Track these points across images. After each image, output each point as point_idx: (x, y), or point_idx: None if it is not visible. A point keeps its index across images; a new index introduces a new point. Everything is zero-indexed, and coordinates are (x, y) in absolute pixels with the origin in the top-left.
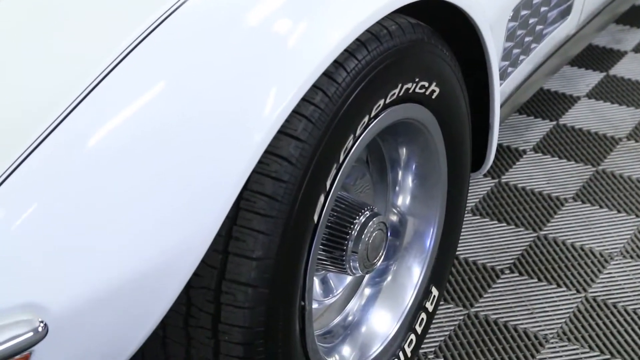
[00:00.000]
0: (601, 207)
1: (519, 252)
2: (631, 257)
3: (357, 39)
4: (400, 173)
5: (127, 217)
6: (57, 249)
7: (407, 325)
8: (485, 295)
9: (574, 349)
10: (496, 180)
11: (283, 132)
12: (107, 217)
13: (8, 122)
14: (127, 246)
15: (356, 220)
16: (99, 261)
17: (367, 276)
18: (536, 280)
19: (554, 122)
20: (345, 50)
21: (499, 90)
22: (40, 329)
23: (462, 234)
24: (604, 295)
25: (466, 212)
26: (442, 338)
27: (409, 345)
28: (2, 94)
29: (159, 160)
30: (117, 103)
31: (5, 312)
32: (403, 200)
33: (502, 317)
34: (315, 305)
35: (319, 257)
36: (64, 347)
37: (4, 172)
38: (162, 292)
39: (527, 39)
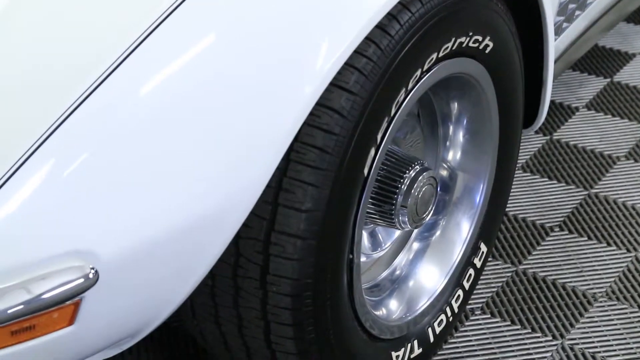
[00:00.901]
0: None
1: (569, 210)
2: None
3: None
4: (451, 128)
5: (179, 168)
6: (109, 199)
7: (455, 281)
8: (534, 253)
9: (622, 308)
10: (548, 137)
11: (335, 84)
12: (158, 169)
13: (60, 72)
14: (179, 197)
15: (406, 175)
16: (150, 212)
17: (415, 230)
18: (586, 238)
19: (608, 80)
20: (399, 2)
21: (554, 46)
22: (91, 276)
23: (512, 190)
24: None
25: (517, 168)
26: (490, 294)
27: (456, 301)
28: (59, 46)
29: (210, 112)
30: (168, 55)
31: (57, 259)
32: (453, 155)
33: (551, 275)
34: (363, 259)
35: (368, 210)
36: (114, 294)
37: (56, 121)
38: (212, 242)
39: None
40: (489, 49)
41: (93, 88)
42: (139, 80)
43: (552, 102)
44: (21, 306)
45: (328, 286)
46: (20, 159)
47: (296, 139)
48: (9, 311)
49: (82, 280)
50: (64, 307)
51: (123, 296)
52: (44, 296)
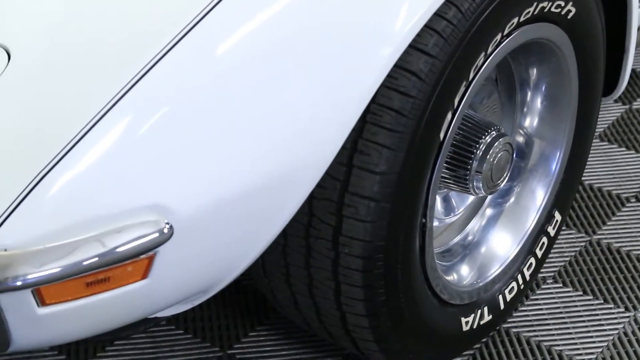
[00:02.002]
0: None
1: None
2: None
3: None
4: (529, 94)
5: (256, 126)
6: (185, 156)
7: (528, 249)
8: (608, 223)
9: None
10: (627, 107)
11: (414, 46)
12: (236, 126)
13: (140, 29)
14: (255, 155)
15: (482, 140)
16: (227, 170)
17: (489, 197)
18: None
19: None
20: None
21: (638, 13)
22: (166, 231)
23: (588, 159)
24: None
25: (594, 137)
26: (562, 263)
27: (528, 269)
28: (140, 4)
29: (289, 71)
30: (247, 12)
31: (133, 213)
32: (530, 121)
33: (625, 246)
34: (435, 223)
35: (443, 175)
36: (188, 249)
37: (135, 76)
38: (286, 201)
39: None
40: (571, 14)
41: (171, 45)
42: (218, 38)
43: (632, 70)
44: (96, 258)
45: (400, 249)
46: (98, 113)
47: (373, 100)
48: (84, 263)
49: (157, 234)
50: (138, 261)
51: (196, 252)
52: (119, 249)
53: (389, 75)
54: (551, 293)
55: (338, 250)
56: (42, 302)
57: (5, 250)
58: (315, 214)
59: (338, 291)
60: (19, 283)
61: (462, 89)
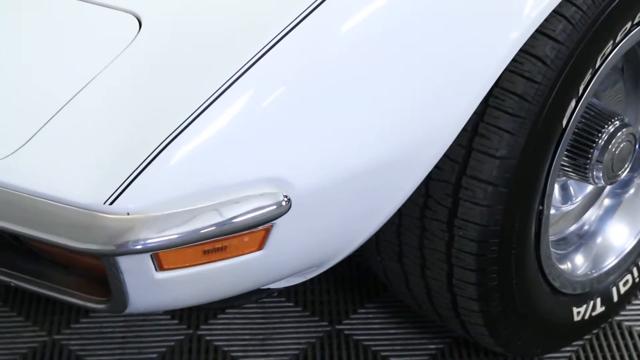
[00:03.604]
0: None
1: None
2: None
3: None
4: None
5: (379, 102)
6: (306, 130)
7: None
8: None
9: None
10: None
11: (541, 31)
12: (359, 102)
13: (265, 5)
14: (377, 132)
15: (604, 129)
16: (348, 145)
17: (608, 187)
18: None
19: None
20: None
21: None
22: (283, 204)
23: None
24: None
25: None
26: None
27: None
28: None
29: (414, 49)
30: None
31: (252, 184)
32: None
33: None
34: (552, 211)
35: (562, 162)
36: (304, 223)
37: (261, 50)
38: (404, 180)
39: None
40: None
41: (298, 21)
42: (344, 14)
43: None
44: (213, 227)
45: (515, 235)
46: (222, 87)
47: (496, 84)
48: (202, 231)
49: (274, 207)
50: (255, 232)
51: (312, 226)
52: (236, 220)
53: (514, 60)
54: None
55: (452, 232)
56: (160, 267)
57: (128, 214)
58: (431, 195)
59: (450, 273)
60: (139, 247)
61: (588, 76)
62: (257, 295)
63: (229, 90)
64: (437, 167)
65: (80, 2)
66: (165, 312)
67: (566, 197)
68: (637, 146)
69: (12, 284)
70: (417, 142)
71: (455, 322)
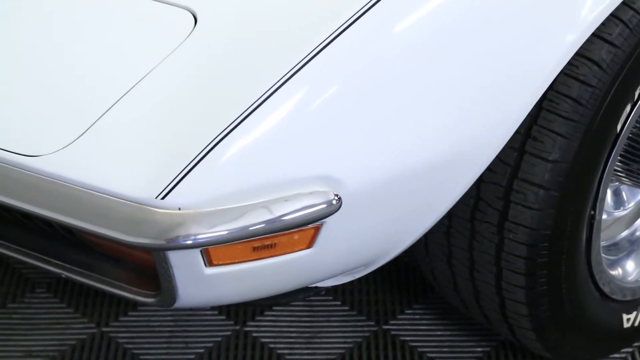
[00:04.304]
0: None
1: None
2: None
3: None
4: None
5: (434, 103)
6: (358, 130)
7: None
8: None
9: None
10: None
11: (597, 35)
12: (413, 102)
13: (321, 3)
14: (430, 132)
15: None
16: (400, 145)
17: None
18: None
19: None
20: None
21: None
22: (334, 202)
23: None
24: None
25: None
26: None
27: None
28: None
29: (470, 49)
30: None
31: (302, 182)
32: None
33: None
34: (604, 216)
35: (616, 167)
36: (355, 222)
37: (315, 48)
38: (455, 182)
39: None
40: None
41: (350, 22)
42: (399, 13)
43: None
44: (262, 225)
45: (566, 239)
46: (275, 84)
47: (551, 87)
48: (251, 228)
49: (324, 205)
50: (304, 230)
51: (362, 226)
52: (285, 218)
53: (569, 63)
54: None
55: (503, 235)
56: (209, 262)
57: (179, 209)
58: (482, 198)
59: (499, 276)
60: (189, 242)
61: None
62: (304, 293)
63: (282, 88)
64: (489, 169)
65: None
66: (213, 308)
67: (619, 202)
68: None
69: (63, 276)
70: (471, 143)
71: (503, 326)
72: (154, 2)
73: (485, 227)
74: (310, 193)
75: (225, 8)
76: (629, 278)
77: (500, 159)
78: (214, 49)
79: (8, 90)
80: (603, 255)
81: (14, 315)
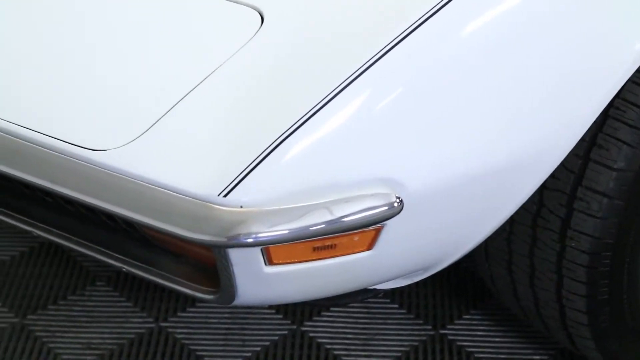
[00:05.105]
0: None
1: None
2: None
3: None
4: None
5: (498, 108)
6: (422, 133)
7: None
8: None
9: None
10: None
11: None
12: (477, 106)
13: (386, 8)
14: (494, 137)
15: None
16: (463, 148)
17: None
18: None
19: None
20: None
21: None
22: (396, 205)
23: None
24: None
25: None
26: None
27: None
28: None
29: (538, 53)
30: None
31: (365, 183)
32: None
33: None
34: None
35: None
36: (416, 225)
37: (379, 52)
38: (518, 187)
39: None
40: None
41: (417, 25)
42: (466, 16)
43: None
44: (323, 225)
45: (629, 248)
46: (340, 85)
47: (617, 95)
48: (311, 228)
49: (386, 208)
50: (365, 232)
51: (423, 229)
52: (345, 219)
53: (637, 71)
54: None
55: (564, 243)
56: (269, 261)
57: (241, 207)
58: (545, 204)
59: (560, 284)
60: (250, 240)
61: None
62: (363, 295)
63: (347, 89)
64: (552, 176)
65: None
66: (270, 306)
67: None
68: None
69: (124, 270)
70: (536, 148)
71: (562, 334)
72: (223, 0)
73: (547, 234)
74: (372, 195)
75: (291, 8)
76: None
77: (564, 165)
78: (279, 48)
79: (75, 85)
80: None
81: (75, 308)
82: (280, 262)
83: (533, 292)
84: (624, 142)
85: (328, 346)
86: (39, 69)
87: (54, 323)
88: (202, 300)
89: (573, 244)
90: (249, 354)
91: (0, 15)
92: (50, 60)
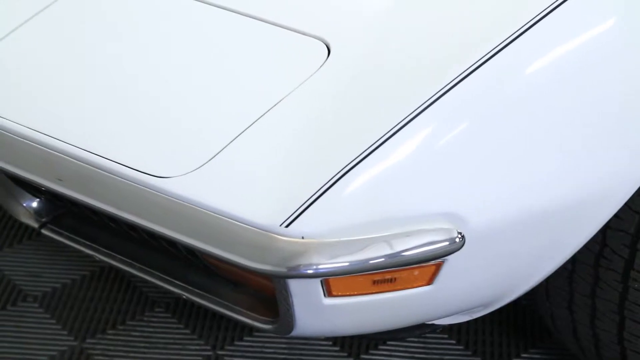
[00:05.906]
0: None
1: None
2: None
3: None
4: None
5: (563, 144)
6: (486, 169)
7: None
8: None
9: None
10: None
11: None
12: (541, 144)
13: (449, 45)
14: (558, 173)
15: None
16: (527, 186)
17: None
18: None
19: None
20: None
21: None
22: (457, 240)
23: None
24: None
25: None
26: None
27: None
28: (454, 23)
29: (604, 93)
30: (561, 35)
31: (427, 218)
32: None
33: None
34: None
35: None
36: (477, 261)
37: (443, 87)
38: (581, 226)
39: None
40: None
41: (483, 61)
42: (531, 55)
43: None
44: (382, 259)
45: None
46: (404, 119)
47: None
48: (371, 262)
49: (447, 243)
50: (425, 267)
51: (484, 265)
52: (405, 253)
53: None
54: None
55: (627, 284)
56: (328, 293)
57: (302, 238)
58: (608, 244)
59: (622, 326)
60: (310, 271)
61: None
62: (420, 330)
63: (411, 123)
64: (616, 216)
65: (274, 26)
66: (327, 338)
67: None
68: None
69: (184, 297)
70: (599, 189)
71: None
72: (289, 31)
73: (610, 274)
74: (434, 230)
75: (358, 41)
76: None
77: (629, 206)
78: (345, 80)
79: (142, 113)
80: None
81: (133, 333)
82: (339, 294)
83: (594, 332)
84: None
85: None
86: (108, 96)
87: (112, 347)
88: (259, 330)
89: (636, 285)
90: None
91: (75, 42)
92: (119, 88)
